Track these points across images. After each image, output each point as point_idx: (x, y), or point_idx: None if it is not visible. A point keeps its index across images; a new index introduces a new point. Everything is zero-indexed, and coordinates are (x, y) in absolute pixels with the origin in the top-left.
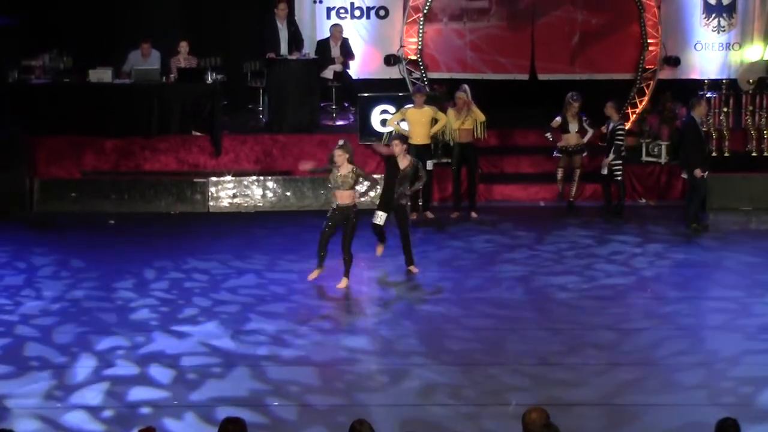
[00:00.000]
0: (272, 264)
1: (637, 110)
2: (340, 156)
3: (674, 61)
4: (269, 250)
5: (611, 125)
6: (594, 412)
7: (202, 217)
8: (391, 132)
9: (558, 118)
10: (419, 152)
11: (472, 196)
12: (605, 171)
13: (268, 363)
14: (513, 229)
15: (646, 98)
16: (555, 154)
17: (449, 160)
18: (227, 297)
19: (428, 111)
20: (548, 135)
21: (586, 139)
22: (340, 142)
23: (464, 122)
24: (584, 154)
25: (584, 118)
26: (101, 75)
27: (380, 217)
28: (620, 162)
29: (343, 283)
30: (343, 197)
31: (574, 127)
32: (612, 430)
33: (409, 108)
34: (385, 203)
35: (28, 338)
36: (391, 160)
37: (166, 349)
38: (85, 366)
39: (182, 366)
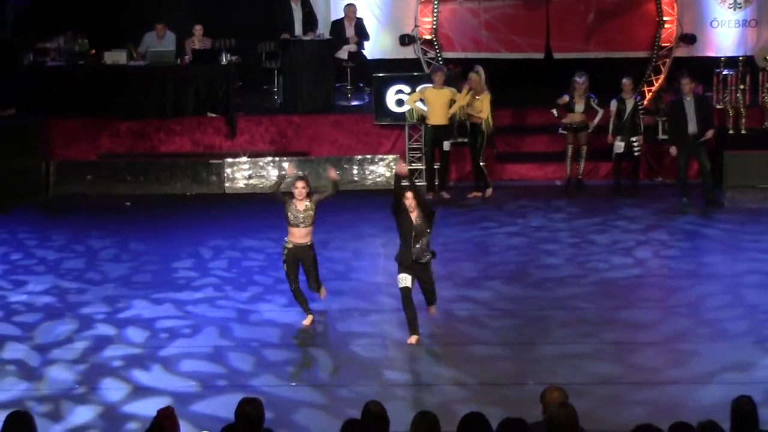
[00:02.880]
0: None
1: (653, 88)
2: (303, 188)
3: (690, 39)
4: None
5: (618, 103)
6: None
7: (218, 198)
8: (411, 110)
9: (565, 96)
10: (437, 132)
11: (480, 175)
12: (621, 149)
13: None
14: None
15: (662, 76)
16: (560, 130)
17: (465, 140)
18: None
19: (447, 92)
20: (553, 111)
21: (596, 121)
22: (299, 173)
23: (471, 104)
24: (588, 131)
25: (593, 98)
26: (116, 57)
27: (405, 280)
28: (638, 139)
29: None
30: (301, 235)
31: (579, 107)
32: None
33: (427, 88)
34: (404, 266)
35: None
36: (401, 209)
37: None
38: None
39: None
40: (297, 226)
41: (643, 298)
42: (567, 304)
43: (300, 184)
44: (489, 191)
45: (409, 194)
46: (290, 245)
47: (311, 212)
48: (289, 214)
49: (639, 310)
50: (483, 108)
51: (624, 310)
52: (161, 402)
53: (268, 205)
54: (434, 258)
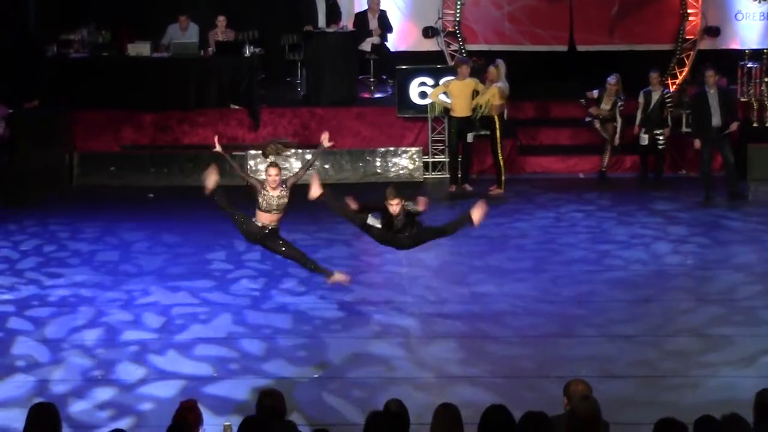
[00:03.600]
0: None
1: (677, 81)
2: (276, 176)
3: (714, 32)
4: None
5: (645, 95)
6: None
7: (241, 190)
8: (433, 104)
9: (595, 92)
10: (461, 125)
11: (497, 170)
12: (646, 141)
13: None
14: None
15: (686, 69)
16: (586, 119)
17: (488, 133)
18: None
19: (470, 83)
20: (582, 101)
21: (617, 139)
22: (270, 158)
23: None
24: (615, 124)
25: (620, 104)
26: (139, 49)
27: (376, 222)
28: (662, 132)
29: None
30: (271, 220)
31: (606, 107)
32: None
33: (451, 80)
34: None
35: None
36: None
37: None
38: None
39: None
40: (269, 212)
41: (675, 287)
42: (602, 292)
43: (273, 171)
44: (496, 190)
45: (395, 201)
46: (259, 224)
47: (285, 200)
48: (262, 201)
49: (671, 298)
50: (484, 95)
51: (657, 299)
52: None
53: (297, 197)
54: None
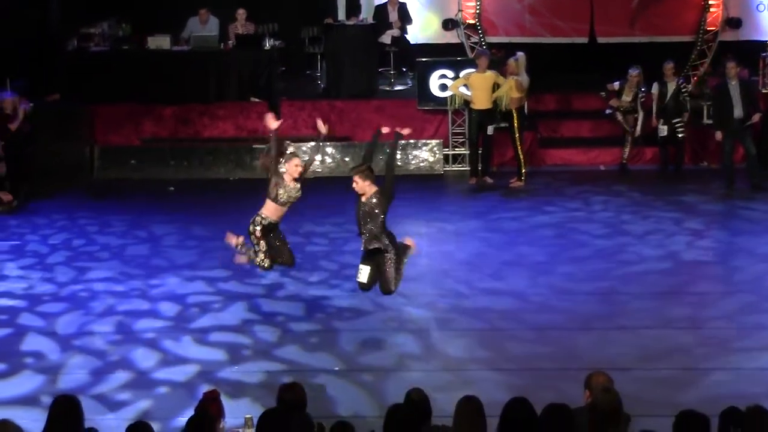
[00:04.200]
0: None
1: (698, 73)
2: (299, 166)
3: (736, 23)
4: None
5: (660, 86)
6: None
7: (262, 183)
8: (453, 96)
9: (616, 84)
10: (481, 117)
11: (517, 162)
12: (665, 132)
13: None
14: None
15: (707, 60)
16: (607, 111)
17: (508, 125)
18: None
19: (491, 75)
20: (602, 93)
21: (638, 128)
22: (291, 149)
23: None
24: (636, 115)
25: (641, 96)
26: (160, 42)
27: (362, 273)
28: (683, 121)
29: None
30: (280, 215)
31: (627, 98)
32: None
33: (471, 73)
34: (363, 255)
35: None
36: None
37: None
38: None
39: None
40: (284, 205)
41: (705, 276)
42: (634, 280)
43: (298, 161)
44: (516, 182)
45: (355, 178)
46: (267, 222)
47: (299, 194)
48: (282, 191)
49: (702, 287)
50: (502, 88)
51: (688, 287)
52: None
53: (319, 190)
54: (392, 253)
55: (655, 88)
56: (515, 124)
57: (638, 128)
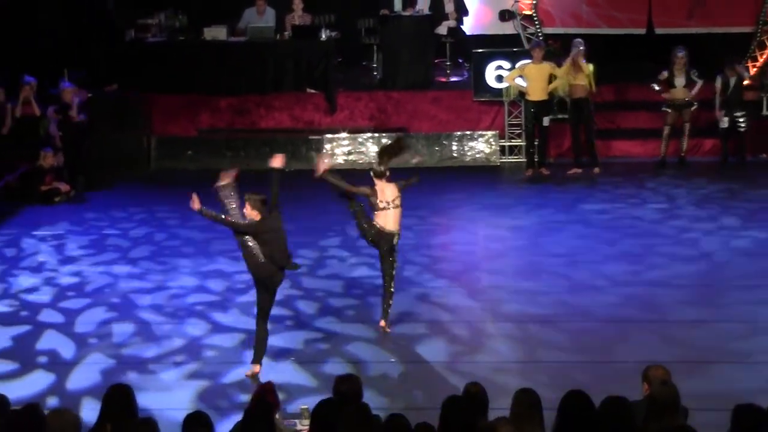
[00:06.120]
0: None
1: (758, 64)
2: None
3: None
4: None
5: (723, 78)
6: None
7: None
8: (509, 87)
9: (665, 72)
10: (537, 108)
11: (592, 152)
12: (726, 124)
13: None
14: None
15: (766, 51)
16: (663, 108)
17: (565, 116)
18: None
19: (546, 67)
20: (654, 85)
21: (694, 92)
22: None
23: (576, 77)
24: (693, 108)
25: (693, 72)
26: (216, 33)
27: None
28: (744, 113)
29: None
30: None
31: (680, 81)
32: None
33: (527, 64)
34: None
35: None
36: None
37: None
38: None
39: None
40: (386, 209)
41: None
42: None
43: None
44: (597, 170)
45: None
46: (385, 231)
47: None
48: (374, 204)
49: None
50: (584, 67)
51: (750, 279)
52: None
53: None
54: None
55: (718, 81)
56: (591, 111)
57: (695, 91)
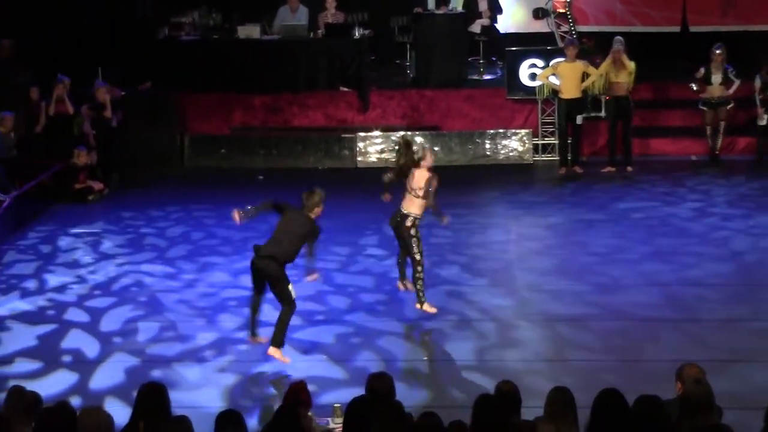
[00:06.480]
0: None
1: None
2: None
3: None
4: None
5: (761, 77)
6: None
7: (351, 172)
8: (542, 85)
9: (702, 69)
10: (570, 106)
11: (628, 150)
12: (764, 121)
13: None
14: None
15: None
16: (700, 106)
17: (598, 114)
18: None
19: (579, 65)
20: (692, 85)
21: (732, 90)
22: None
23: (618, 75)
24: (730, 106)
25: (729, 69)
26: (249, 31)
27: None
28: None
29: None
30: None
31: (717, 78)
32: None
33: (560, 62)
34: None
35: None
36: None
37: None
38: None
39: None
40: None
41: None
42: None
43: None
44: (630, 168)
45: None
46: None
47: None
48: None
49: None
50: (628, 65)
51: None
52: None
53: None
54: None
55: (757, 81)
56: (630, 110)
57: (733, 89)
